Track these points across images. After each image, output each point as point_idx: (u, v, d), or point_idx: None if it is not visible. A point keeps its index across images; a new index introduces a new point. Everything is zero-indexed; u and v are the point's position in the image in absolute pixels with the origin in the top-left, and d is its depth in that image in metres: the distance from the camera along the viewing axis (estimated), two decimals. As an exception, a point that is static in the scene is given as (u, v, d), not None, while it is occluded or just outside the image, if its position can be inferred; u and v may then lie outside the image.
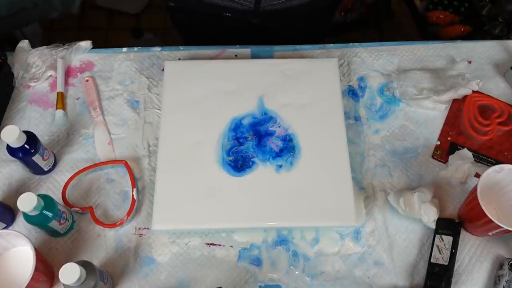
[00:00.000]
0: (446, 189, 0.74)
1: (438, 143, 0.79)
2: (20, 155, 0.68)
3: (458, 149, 0.77)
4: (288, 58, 0.84)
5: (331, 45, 0.89)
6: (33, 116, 0.80)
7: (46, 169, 0.73)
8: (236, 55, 0.87)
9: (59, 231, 0.67)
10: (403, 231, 0.71)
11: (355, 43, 0.89)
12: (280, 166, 0.72)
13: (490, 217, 0.61)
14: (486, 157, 0.78)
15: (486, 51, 0.89)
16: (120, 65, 0.85)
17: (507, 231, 0.62)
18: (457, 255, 0.67)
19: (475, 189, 0.64)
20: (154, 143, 0.78)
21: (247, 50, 0.87)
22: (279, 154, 0.73)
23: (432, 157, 0.77)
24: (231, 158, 0.72)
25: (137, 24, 1.89)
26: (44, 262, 0.64)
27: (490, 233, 0.66)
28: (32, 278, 0.57)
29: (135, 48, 0.88)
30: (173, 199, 0.69)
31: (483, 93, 0.83)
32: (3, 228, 0.69)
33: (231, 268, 0.68)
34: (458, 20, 1.44)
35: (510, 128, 0.77)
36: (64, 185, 0.72)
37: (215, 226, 0.69)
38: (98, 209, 0.72)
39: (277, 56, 0.87)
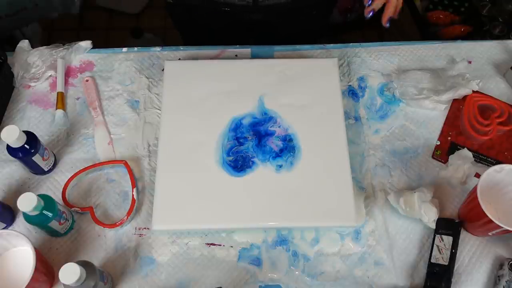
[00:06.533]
0: (446, 189, 0.74)
1: (438, 143, 0.79)
2: (20, 155, 0.68)
3: (458, 149, 0.77)
4: (288, 58, 0.84)
5: (331, 45, 0.89)
6: (33, 116, 0.80)
7: (46, 169, 0.73)
8: (236, 55, 0.87)
9: (59, 231, 0.67)
10: (403, 231, 0.71)
11: (355, 43, 0.89)
12: (280, 166, 0.72)
13: (490, 217, 0.61)
14: (486, 157, 0.78)
15: (486, 51, 0.89)
16: (120, 65, 0.85)
17: (507, 231, 0.62)
18: (457, 255, 0.67)
19: (475, 189, 0.64)
20: (154, 143, 0.78)
21: (247, 50, 0.88)
22: (279, 154, 0.73)
23: (432, 157, 0.78)
24: (231, 158, 0.72)
25: (137, 24, 1.89)
26: (44, 262, 0.64)
27: (490, 233, 0.66)
28: (32, 278, 0.57)
29: (135, 48, 0.88)
30: (173, 199, 0.69)
31: (483, 93, 0.83)
32: (3, 228, 0.69)
33: (231, 268, 0.68)
34: (458, 20, 1.45)
35: (510, 128, 0.77)
36: (64, 185, 0.72)
37: (215, 226, 0.69)
38: (98, 209, 0.72)
39: (277, 56, 0.87)
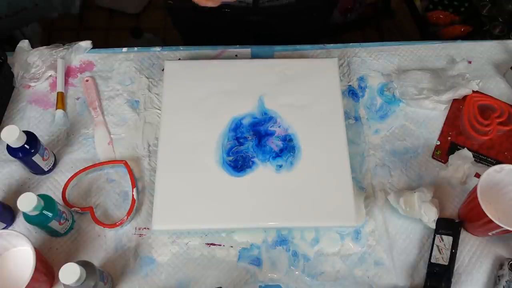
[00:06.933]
0: (446, 189, 0.74)
1: (438, 143, 0.79)
2: (20, 155, 0.68)
3: (458, 149, 0.77)
4: (288, 58, 0.84)
5: (331, 45, 0.89)
6: (33, 116, 0.80)
7: (46, 169, 0.73)
8: (236, 55, 0.87)
9: (59, 231, 0.67)
10: (403, 231, 0.71)
11: (355, 43, 0.89)
12: (280, 166, 0.72)
13: (490, 217, 0.61)
14: (486, 157, 0.78)
15: (486, 51, 0.89)
16: (120, 65, 0.85)
17: (507, 231, 0.62)
18: (457, 255, 0.67)
19: (475, 189, 0.64)
20: (154, 143, 0.78)
21: (247, 50, 0.87)
22: (279, 154, 0.73)
23: (432, 157, 0.77)
24: (231, 158, 0.72)
25: (137, 24, 1.89)
26: (44, 262, 0.64)
27: (490, 233, 0.66)
28: (32, 278, 0.57)
29: (135, 48, 0.88)
30: (173, 199, 0.69)
31: (483, 93, 0.83)
32: (3, 228, 0.69)
33: (231, 268, 0.68)
34: (458, 20, 1.45)
35: (510, 128, 0.77)
36: (64, 185, 0.72)
37: (215, 226, 0.69)
38: (98, 209, 0.72)
39: (277, 56, 0.87)
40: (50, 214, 0.63)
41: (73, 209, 0.70)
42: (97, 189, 0.73)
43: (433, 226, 0.69)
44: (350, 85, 0.84)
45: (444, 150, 0.78)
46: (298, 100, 0.77)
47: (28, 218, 0.63)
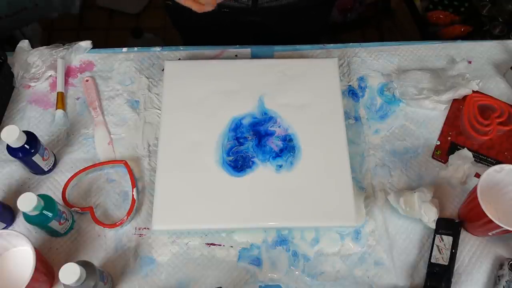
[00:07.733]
0: (446, 189, 0.74)
1: (438, 143, 0.79)
2: (20, 155, 0.68)
3: (458, 149, 0.77)
4: (288, 58, 0.84)
5: (331, 45, 0.89)
6: (33, 116, 0.80)
7: (46, 169, 0.73)
8: (236, 55, 0.87)
9: (59, 231, 0.67)
10: (403, 231, 0.71)
11: (355, 43, 0.89)
12: (280, 166, 0.72)
13: (490, 217, 0.61)
14: (486, 157, 0.78)
15: (486, 51, 0.89)
16: (120, 65, 0.85)
17: (507, 231, 0.62)
18: (457, 255, 0.67)
19: (475, 189, 0.64)
20: (154, 143, 0.78)
21: (247, 50, 0.87)
22: (279, 154, 0.73)
23: (432, 157, 0.78)
24: (231, 158, 0.72)
25: (137, 24, 1.89)
26: (44, 262, 0.64)
27: (490, 233, 0.66)
28: (32, 278, 0.57)
29: (135, 48, 0.88)
30: (173, 199, 0.69)
31: (483, 93, 0.83)
32: (3, 228, 0.69)
33: (231, 268, 0.68)
34: (458, 20, 1.45)
35: (510, 128, 0.77)
36: (64, 185, 0.72)
37: (215, 226, 0.69)
38: (98, 209, 0.72)
39: (277, 56, 0.87)
40: (50, 214, 0.63)
41: (73, 209, 0.70)
42: (97, 189, 0.73)
43: (433, 226, 0.69)
44: (350, 85, 0.84)
45: (444, 150, 0.78)
46: (298, 100, 0.77)
47: (28, 218, 0.63)
